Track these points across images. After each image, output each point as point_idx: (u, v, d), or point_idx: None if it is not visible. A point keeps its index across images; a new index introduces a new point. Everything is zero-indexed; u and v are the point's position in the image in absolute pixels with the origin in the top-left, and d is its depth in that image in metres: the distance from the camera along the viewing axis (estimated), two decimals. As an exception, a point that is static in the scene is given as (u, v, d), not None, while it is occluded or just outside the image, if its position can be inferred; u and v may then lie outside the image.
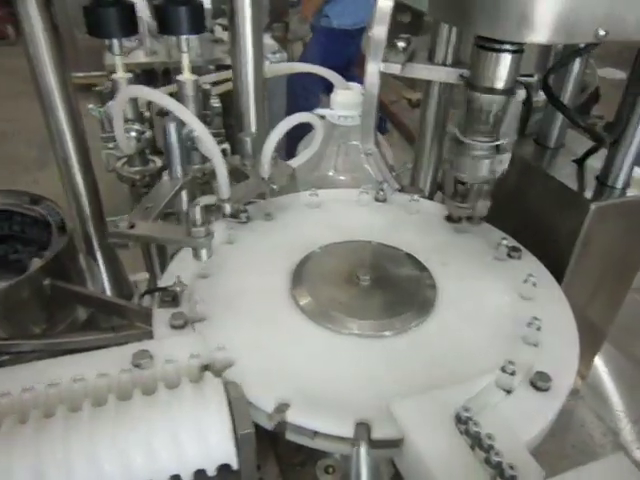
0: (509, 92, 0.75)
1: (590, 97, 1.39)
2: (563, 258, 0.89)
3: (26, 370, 0.62)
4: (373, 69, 0.87)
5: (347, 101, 1.14)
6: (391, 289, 0.79)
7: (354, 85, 1.17)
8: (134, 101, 1.02)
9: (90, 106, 1.01)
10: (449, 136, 0.85)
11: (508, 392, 0.64)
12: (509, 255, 0.86)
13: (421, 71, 0.90)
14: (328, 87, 1.20)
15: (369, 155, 0.93)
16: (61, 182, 1.11)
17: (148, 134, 1.03)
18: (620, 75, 3.34)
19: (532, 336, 0.71)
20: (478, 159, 0.81)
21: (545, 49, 1.02)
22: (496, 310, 0.78)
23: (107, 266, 1.22)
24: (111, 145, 1.02)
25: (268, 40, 3.03)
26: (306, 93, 3.25)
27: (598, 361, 1.26)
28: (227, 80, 1.15)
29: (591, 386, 1.20)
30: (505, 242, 0.86)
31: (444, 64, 0.91)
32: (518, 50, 0.72)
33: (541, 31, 0.63)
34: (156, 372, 0.62)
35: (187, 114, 0.85)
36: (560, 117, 0.99)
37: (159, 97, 0.86)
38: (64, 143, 1.03)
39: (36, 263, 0.84)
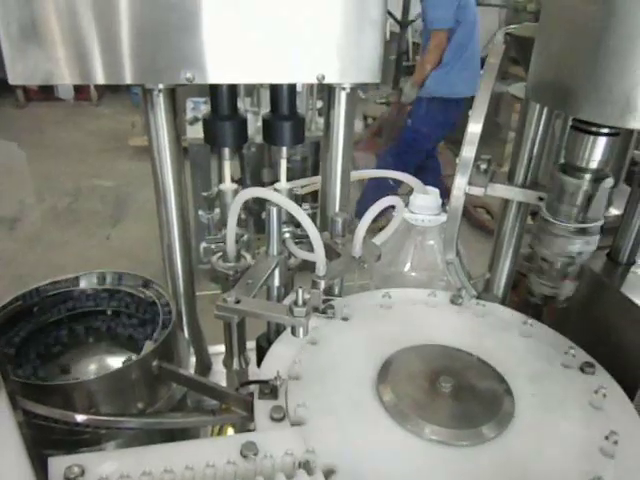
0: (598, 175, 0.82)
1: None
2: (635, 377, 0.92)
3: (143, 453, 0.70)
4: (460, 185, 0.96)
5: (425, 204, 1.23)
6: (472, 398, 0.85)
7: (431, 189, 1.27)
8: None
9: (200, 212, 1.14)
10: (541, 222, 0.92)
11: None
12: (582, 370, 0.91)
13: (502, 192, 0.99)
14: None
15: (450, 264, 1.01)
16: (162, 261, 1.23)
17: (245, 237, 1.14)
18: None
19: (609, 450, 0.75)
20: (559, 238, 0.87)
21: (619, 163, 1.10)
22: (572, 423, 0.81)
23: (192, 340, 1.32)
24: (213, 246, 1.13)
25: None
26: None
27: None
28: (315, 183, 1.26)
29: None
30: (573, 351, 0.91)
31: (523, 185, 1.00)
32: (614, 134, 0.80)
33: None
34: (258, 464, 0.69)
35: (297, 210, 0.97)
36: (634, 232, 1.05)
37: (276, 198, 0.98)
38: (171, 231, 1.15)
39: (148, 346, 0.94)
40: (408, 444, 0.77)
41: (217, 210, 1.14)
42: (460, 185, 0.95)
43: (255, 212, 1.15)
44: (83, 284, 1.14)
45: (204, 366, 1.37)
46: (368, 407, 0.83)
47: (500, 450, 0.77)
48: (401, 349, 0.94)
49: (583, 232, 0.87)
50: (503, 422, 0.80)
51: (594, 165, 0.82)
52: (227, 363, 1.30)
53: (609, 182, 0.85)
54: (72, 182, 4.95)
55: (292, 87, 1.07)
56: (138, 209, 4.44)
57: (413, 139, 3.92)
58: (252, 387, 0.87)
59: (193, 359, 1.28)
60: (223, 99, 1.05)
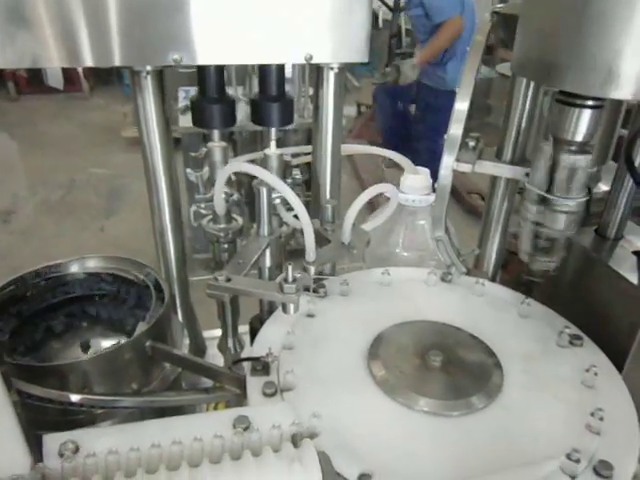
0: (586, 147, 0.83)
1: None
2: (624, 349, 0.94)
3: (134, 430, 0.71)
4: (448, 163, 0.97)
5: (416, 185, 1.24)
6: (461, 371, 0.86)
7: (422, 170, 1.27)
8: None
9: (188, 170, 1.14)
10: (530, 198, 0.93)
11: (573, 478, 0.69)
12: (571, 342, 0.92)
13: (490, 168, 0.99)
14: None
15: (439, 242, 1.02)
16: (155, 247, 1.23)
17: (235, 197, 1.14)
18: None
19: (595, 425, 0.76)
20: (564, 214, 0.89)
21: (607, 141, 1.10)
22: (559, 397, 0.83)
23: (186, 324, 1.33)
24: (203, 205, 1.14)
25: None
26: None
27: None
28: (307, 154, 1.26)
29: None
30: (568, 330, 0.92)
31: (512, 162, 1.00)
32: (597, 106, 0.80)
33: (626, 87, 0.71)
34: (252, 438, 0.70)
35: (284, 188, 0.96)
36: (621, 208, 1.06)
37: (261, 173, 0.97)
38: (163, 216, 1.16)
39: (141, 327, 0.95)
40: (395, 413, 0.79)
41: (206, 169, 1.14)
42: (447, 163, 0.95)
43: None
44: (77, 269, 1.14)
45: (199, 350, 1.38)
46: (358, 377, 0.84)
47: (487, 421, 0.78)
48: (394, 324, 0.95)
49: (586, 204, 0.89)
50: (491, 394, 0.82)
51: (579, 138, 0.82)
52: (222, 346, 1.31)
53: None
54: (65, 174, 4.93)
55: (280, 68, 1.07)
56: (132, 200, 4.42)
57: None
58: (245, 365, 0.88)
59: (187, 342, 1.29)
60: (211, 81, 1.05)
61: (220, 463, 0.64)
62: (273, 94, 1.08)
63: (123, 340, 0.94)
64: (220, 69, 1.06)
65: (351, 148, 1.55)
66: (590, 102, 0.79)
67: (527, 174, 0.96)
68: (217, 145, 1.14)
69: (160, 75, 1.03)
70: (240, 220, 1.23)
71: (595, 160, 1.04)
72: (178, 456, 0.66)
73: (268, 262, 1.10)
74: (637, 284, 0.93)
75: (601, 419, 0.75)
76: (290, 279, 0.84)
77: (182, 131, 2.89)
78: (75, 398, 0.86)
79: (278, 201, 1.10)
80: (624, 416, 0.79)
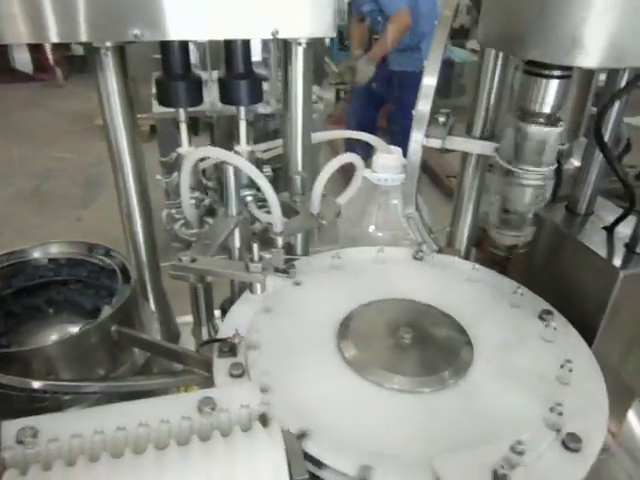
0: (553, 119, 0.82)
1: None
2: (594, 322, 0.94)
3: (97, 413, 0.69)
4: (417, 139, 0.95)
5: (388, 164, 1.23)
6: (431, 347, 0.85)
7: (395, 149, 1.26)
8: (195, 169, 1.11)
9: (158, 177, 1.11)
10: (499, 171, 0.92)
11: (540, 450, 0.69)
12: (541, 317, 0.92)
13: (460, 144, 0.98)
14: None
15: (410, 219, 1.01)
16: (123, 232, 1.21)
17: (207, 202, 1.12)
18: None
19: (564, 397, 0.76)
20: (531, 187, 0.88)
21: (578, 117, 1.09)
22: (529, 371, 0.83)
23: (158, 310, 1.30)
24: (174, 210, 1.11)
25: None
26: None
27: (630, 418, 1.28)
28: (277, 147, 1.24)
29: (623, 444, 1.22)
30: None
31: (482, 137, 0.99)
32: (565, 76, 0.80)
33: (591, 55, 0.70)
34: (216, 419, 0.68)
35: (244, 163, 0.95)
36: (591, 184, 1.06)
37: (228, 156, 0.95)
38: (130, 198, 1.13)
39: (106, 311, 0.92)
40: (363, 390, 0.78)
41: (176, 174, 1.11)
42: (416, 138, 0.94)
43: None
44: (41, 254, 1.12)
45: (172, 336, 1.35)
46: (327, 356, 0.83)
47: (456, 396, 0.78)
48: (364, 303, 0.93)
49: (550, 177, 0.88)
50: (462, 368, 0.81)
51: (547, 109, 0.81)
52: (195, 332, 1.29)
53: (562, 124, 0.85)
54: (40, 164, 4.84)
55: (246, 43, 1.04)
56: (110, 189, 4.30)
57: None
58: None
59: (158, 326, 1.27)
60: (175, 58, 1.02)
61: (188, 445, 0.62)
62: (240, 71, 1.06)
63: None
64: (184, 45, 1.03)
65: (323, 135, 1.54)
66: (557, 72, 0.78)
67: (497, 149, 0.95)
68: (188, 151, 1.11)
69: (121, 52, 0.99)
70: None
71: (566, 136, 1.03)
72: (144, 439, 0.64)
73: (237, 243, 1.09)
74: (606, 258, 0.93)
75: (570, 370, 0.75)
76: (256, 258, 0.82)
77: (156, 117, 2.85)
78: (37, 384, 0.83)
79: (250, 199, 1.09)
80: (593, 389, 0.80)
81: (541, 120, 0.83)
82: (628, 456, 1.21)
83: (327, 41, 4.47)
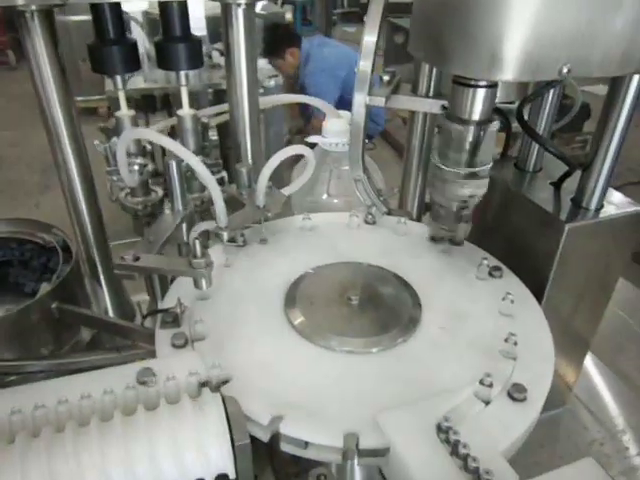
0: (482, 124, 0.81)
1: (580, 114, 1.44)
2: (543, 276, 0.94)
3: (37, 389, 0.66)
4: (359, 101, 0.93)
5: (338, 129, 1.20)
6: (379, 308, 0.84)
7: (345, 113, 1.23)
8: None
9: (96, 142, 1.07)
10: (432, 162, 0.91)
11: (486, 403, 0.68)
12: (491, 274, 0.91)
13: (405, 102, 0.96)
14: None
15: (357, 182, 0.99)
16: (66, 209, 1.16)
17: (150, 167, 1.08)
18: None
19: (510, 350, 0.76)
20: (450, 184, 0.87)
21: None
22: (477, 326, 0.82)
23: (110, 289, 1.26)
24: (115, 178, 1.07)
25: (265, 65, 3.12)
26: None
27: (585, 373, 1.31)
28: (224, 112, 1.21)
29: (578, 397, 1.25)
30: (486, 262, 0.91)
31: (427, 95, 0.97)
32: (491, 85, 0.78)
33: (509, 70, 0.69)
34: (159, 389, 0.66)
35: (185, 152, 0.90)
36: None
37: (158, 138, 0.91)
38: (69, 171, 1.08)
39: (45, 288, 0.89)
40: (311, 354, 0.77)
41: (114, 139, 1.07)
42: (359, 99, 0.91)
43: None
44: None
45: (126, 315, 1.32)
46: (274, 322, 0.82)
47: (404, 355, 0.77)
48: (313, 267, 0.92)
49: (473, 176, 0.86)
50: (409, 329, 0.80)
51: (476, 117, 0.80)
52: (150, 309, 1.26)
53: (495, 125, 0.84)
54: (-6, 150, 4.67)
55: (183, 5, 1.00)
56: (68, 174, 4.22)
57: None
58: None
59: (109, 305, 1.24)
60: (107, 21, 0.98)
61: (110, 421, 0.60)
62: (177, 34, 1.02)
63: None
64: (116, 7, 0.98)
65: (270, 99, 1.50)
66: (483, 82, 0.77)
67: (444, 107, 0.93)
68: (125, 114, 1.07)
69: (49, 16, 0.94)
70: (160, 192, 1.17)
71: (516, 93, 1.02)
72: (88, 410, 0.62)
73: (185, 238, 1.06)
74: (553, 213, 0.93)
75: (515, 344, 0.75)
76: (199, 254, 0.80)
77: (109, 94, 2.75)
78: (-29, 366, 0.80)
79: (195, 169, 1.04)
80: (540, 341, 0.80)
81: (472, 127, 0.82)
82: (584, 408, 1.24)
83: (289, 16, 4.37)
